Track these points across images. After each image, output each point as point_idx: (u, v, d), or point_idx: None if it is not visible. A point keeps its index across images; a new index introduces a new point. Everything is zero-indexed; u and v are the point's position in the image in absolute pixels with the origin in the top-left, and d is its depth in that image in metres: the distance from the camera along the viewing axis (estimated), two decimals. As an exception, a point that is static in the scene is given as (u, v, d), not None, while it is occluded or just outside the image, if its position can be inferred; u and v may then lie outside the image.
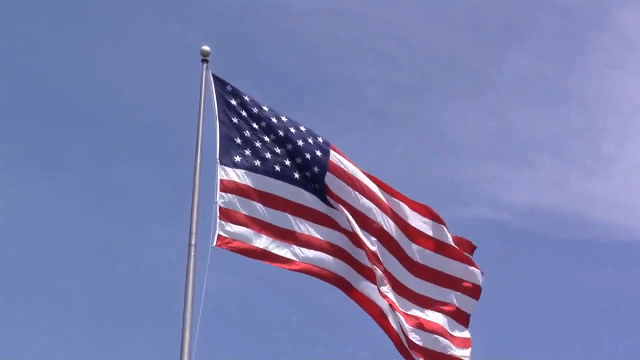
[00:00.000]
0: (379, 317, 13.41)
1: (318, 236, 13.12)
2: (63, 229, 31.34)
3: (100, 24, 33.07)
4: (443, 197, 32.00)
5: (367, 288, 13.35)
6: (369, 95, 34.30)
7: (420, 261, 13.83)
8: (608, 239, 32.71)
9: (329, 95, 33.98)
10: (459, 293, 13.95)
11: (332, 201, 13.36)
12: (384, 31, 35.04)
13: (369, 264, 13.32)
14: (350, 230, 13.31)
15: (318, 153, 13.45)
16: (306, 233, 13.07)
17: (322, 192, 13.33)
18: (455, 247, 13.99)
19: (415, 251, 13.86)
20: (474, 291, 14.07)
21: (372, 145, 32.71)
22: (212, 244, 12.25)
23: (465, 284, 14.00)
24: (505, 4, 35.48)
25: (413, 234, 13.85)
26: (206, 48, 13.53)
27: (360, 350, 28.76)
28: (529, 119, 34.63)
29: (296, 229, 13.03)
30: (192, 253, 12.09)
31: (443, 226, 14.01)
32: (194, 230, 12.23)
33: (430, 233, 13.91)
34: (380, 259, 13.42)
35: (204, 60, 13.48)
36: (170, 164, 30.66)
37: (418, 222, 13.90)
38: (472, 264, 14.05)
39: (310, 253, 12.98)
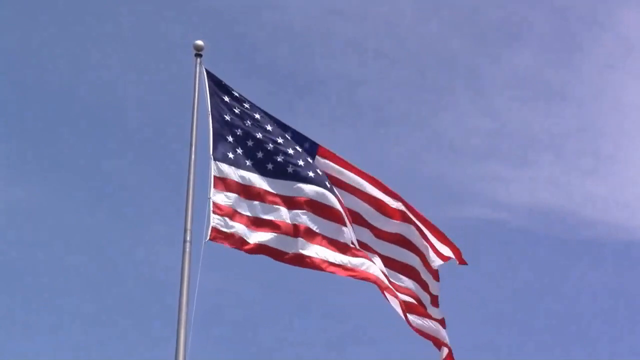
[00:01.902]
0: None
1: (315, 227, 13.02)
2: (63, 229, 31.37)
3: (100, 25, 33.10)
4: (442, 197, 32.04)
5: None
6: (366, 94, 34.33)
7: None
8: (608, 239, 32.70)
9: (327, 93, 33.98)
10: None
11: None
12: (381, 30, 35.08)
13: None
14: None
15: (306, 145, 13.57)
16: (304, 224, 12.99)
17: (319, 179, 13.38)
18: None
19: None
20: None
21: (370, 144, 32.74)
22: (206, 239, 12.23)
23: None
24: (504, 3, 35.50)
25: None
26: (200, 43, 13.49)
27: (360, 348, 28.79)
28: (528, 118, 34.62)
29: (291, 221, 12.99)
30: (187, 249, 12.05)
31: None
32: (188, 227, 12.20)
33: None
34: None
35: (198, 55, 13.46)
36: (168, 160, 30.69)
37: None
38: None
39: (305, 244, 12.94)
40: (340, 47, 34.43)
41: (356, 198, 13.61)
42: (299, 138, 13.56)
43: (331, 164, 13.60)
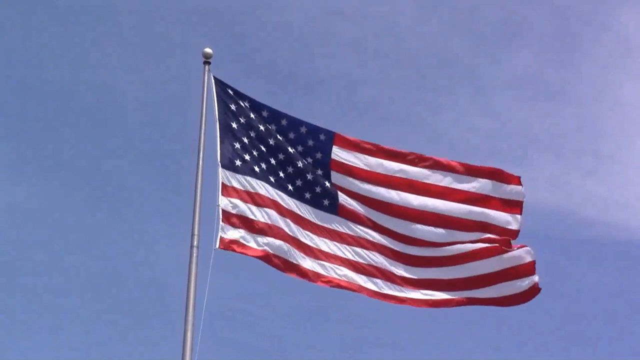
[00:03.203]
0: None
1: (312, 244, 13.23)
2: (63, 229, 31.40)
3: (100, 25, 33.11)
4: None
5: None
6: (366, 94, 34.33)
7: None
8: (608, 238, 32.68)
9: (327, 93, 33.99)
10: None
11: (341, 197, 13.50)
12: (381, 30, 35.07)
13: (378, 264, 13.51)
14: (354, 234, 13.48)
15: (318, 155, 13.58)
16: (302, 240, 13.18)
17: (323, 196, 13.48)
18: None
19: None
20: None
21: (371, 144, 32.61)
22: (215, 246, 12.34)
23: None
24: (504, 3, 35.51)
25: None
26: (208, 50, 13.55)
27: (365, 349, 28.84)
28: (528, 118, 34.61)
29: (297, 234, 13.15)
30: (194, 254, 12.16)
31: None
32: (195, 232, 12.30)
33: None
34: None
35: (206, 62, 13.51)
36: (167, 161, 30.74)
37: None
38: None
39: (309, 259, 13.11)
40: (340, 47, 34.47)
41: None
42: (309, 150, 13.62)
43: (347, 177, 13.68)
